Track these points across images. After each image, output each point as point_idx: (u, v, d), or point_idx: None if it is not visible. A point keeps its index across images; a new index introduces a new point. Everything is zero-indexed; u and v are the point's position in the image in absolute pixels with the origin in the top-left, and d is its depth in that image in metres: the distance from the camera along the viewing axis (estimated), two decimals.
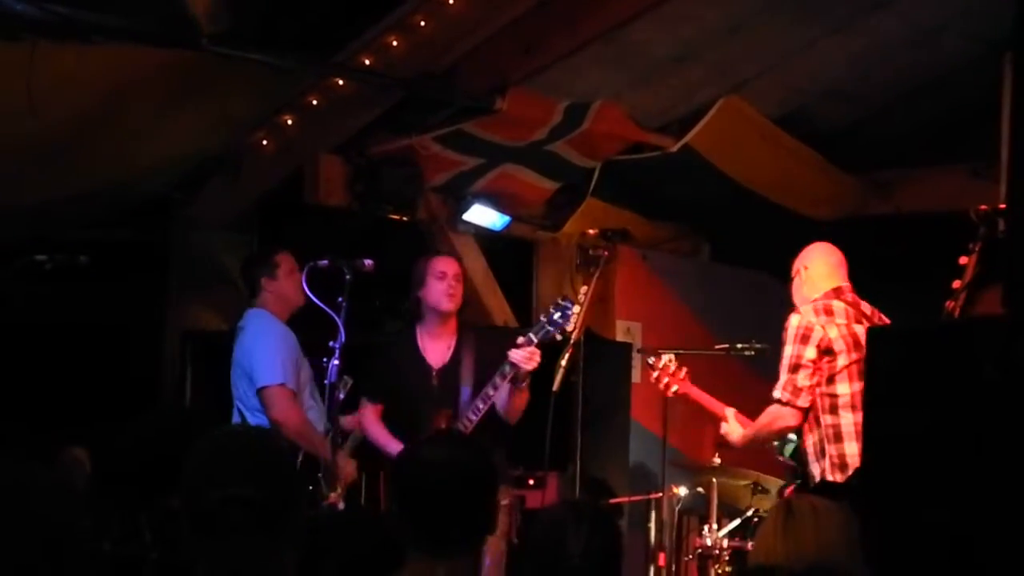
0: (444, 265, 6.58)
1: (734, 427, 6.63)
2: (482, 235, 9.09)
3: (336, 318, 6.14)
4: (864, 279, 6.57)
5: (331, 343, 6.13)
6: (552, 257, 9.45)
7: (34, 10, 5.90)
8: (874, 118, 9.29)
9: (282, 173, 8.28)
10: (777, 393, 6.25)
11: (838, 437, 6.26)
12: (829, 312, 6.35)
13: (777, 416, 6.30)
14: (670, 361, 7.09)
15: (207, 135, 7.75)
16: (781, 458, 6.85)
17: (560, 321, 6.32)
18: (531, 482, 7.62)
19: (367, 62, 7.31)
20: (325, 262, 6.21)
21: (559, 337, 6.40)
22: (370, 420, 6.60)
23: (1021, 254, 2.62)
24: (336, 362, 6.07)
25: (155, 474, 4.27)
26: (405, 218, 8.47)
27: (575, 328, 6.60)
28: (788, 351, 6.26)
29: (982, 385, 2.74)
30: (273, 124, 7.87)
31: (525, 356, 6.27)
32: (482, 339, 6.65)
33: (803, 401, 6.24)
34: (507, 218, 8.98)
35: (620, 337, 9.31)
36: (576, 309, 6.40)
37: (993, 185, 7.85)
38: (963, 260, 5.76)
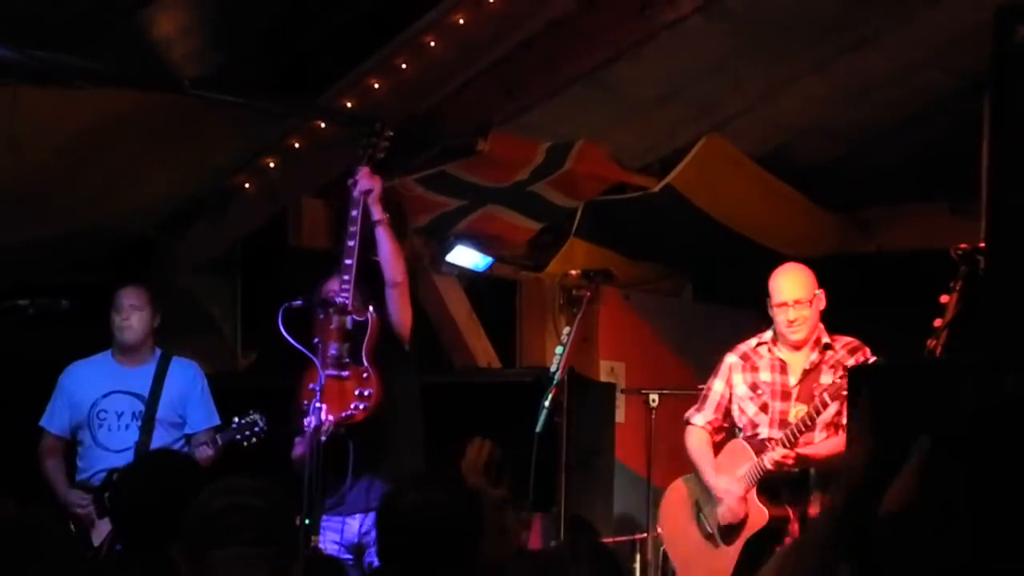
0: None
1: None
2: (465, 276, 9.08)
3: (314, 359, 5.98)
4: (845, 317, 6.57)
5: (311, 385, 5.95)
6: (535, 298, 9.44)
7: (15, 55, 5.91)
8: (855, 155, 9.30)
9: (265, 215, 8.27)
10: None
11: None
12: None
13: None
14: None
15: (189, 178, 7.74)
16: None
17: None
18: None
19: (349, 104, 7.31)
20: (299, 302, 6.08)
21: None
22: None
23: (1000, 292, 2.63)
24: (318, 404, 5.90)
25: (149, 521, 4.24)
26: None
27: (560, 368, 6.59)
28: None
29: (963, 423, 2.74)
30: (255, 167, 7.87)
31: (366, 176, 6.17)
32: None
33: None
34: (490, 259, 8.98)
35: (604, 377, 9.28)
36: None
37: (974, 222, 7.84)
38: (944, 299, 5.77)
